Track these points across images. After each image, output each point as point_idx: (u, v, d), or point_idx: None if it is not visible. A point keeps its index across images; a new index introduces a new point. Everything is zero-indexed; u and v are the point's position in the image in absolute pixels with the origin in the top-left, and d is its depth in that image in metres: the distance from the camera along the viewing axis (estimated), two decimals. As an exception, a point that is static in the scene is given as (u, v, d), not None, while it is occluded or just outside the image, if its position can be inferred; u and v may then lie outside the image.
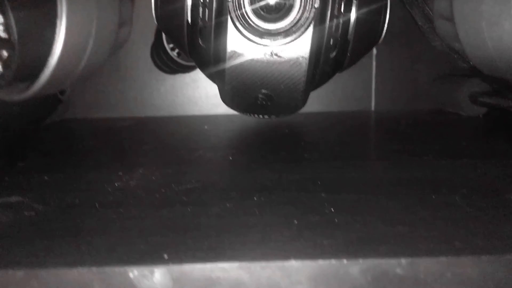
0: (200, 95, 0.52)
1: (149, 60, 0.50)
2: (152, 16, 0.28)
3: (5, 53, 0.19)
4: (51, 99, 0.28)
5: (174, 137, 0.42)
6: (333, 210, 0.22)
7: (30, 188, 0.26)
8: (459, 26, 0.22)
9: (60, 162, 0.33)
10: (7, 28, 0.19)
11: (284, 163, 0.31)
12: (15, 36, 0.18)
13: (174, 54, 0.45)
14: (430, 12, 0.37)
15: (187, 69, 0.48)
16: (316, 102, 0.52)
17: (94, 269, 0.17)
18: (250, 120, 0.47)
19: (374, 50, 0.52)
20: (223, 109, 0.52)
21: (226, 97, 0.28)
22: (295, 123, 0.46)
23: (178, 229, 0.20)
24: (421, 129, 0.43)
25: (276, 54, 0.25)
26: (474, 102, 0.44)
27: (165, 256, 0.18)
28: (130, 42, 0.50)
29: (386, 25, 0.28)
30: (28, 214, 0.22)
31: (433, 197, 0.23)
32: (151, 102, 0.51)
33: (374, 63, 0.52)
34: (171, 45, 0.45)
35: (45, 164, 0.32)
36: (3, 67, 0.19)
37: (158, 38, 0.47)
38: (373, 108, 0.52)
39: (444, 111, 0.49)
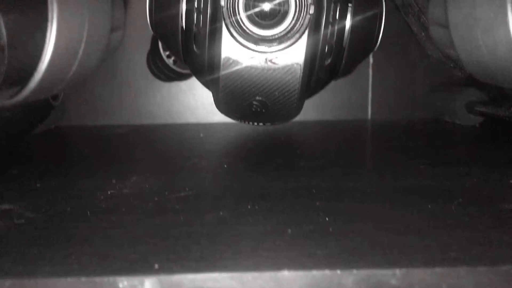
0: (196, 103, 0.52)
1: (145, 67, 0.50)
2: (147, 22, 0.28)
3: (-6, 57, 0.19)
4: (43, 105, 0.27)
5: (169, 145, 0.42)
6: (327, 219, 0.22)
7: (21, 195, 0.26)
8: (454, 32, 0.22)
9: (53, 169, 0.32)
10: (-4, 32, 0.18)
11: (279, 171, 0.31)
12: (5, 39, 0.18)
13: (170, 61, 0.45)
14: (426, 21, 0.37)
15: (183, 76, 0.47)
16: (313, 111, 0.52)
17: (83, 279, 0.17)
18: (246, 128, 0.47)
19: (371, 59, 0.52)
20: (219, 117, 0.51)
21: (221, 104, 0.28)
22: (291, 131, 0.46)
23: (170, 238, 0.20)
24: (417, 138, 0.43)
25: (270, 61, 0.25)
26: (470, 111, 0.44)
27: (156, 266, 0.18)
28: (126, 49, 0.50)
29: (381, 33, 0.28)
30: (18, 222, 0.22)
31: (429, 206, 0.23)
32: (147, 110, 0.51)
33: (370, 72, 0.52)
34: (167, 53, 0.45)
35: (37, 172, 0.31)
36: (-8, 71, 0.19)
37: (154, 45, 0.46)
38: (369, 116, 0.52)
39: (441, 120, 0.49)
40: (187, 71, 0.46)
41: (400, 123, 0.50)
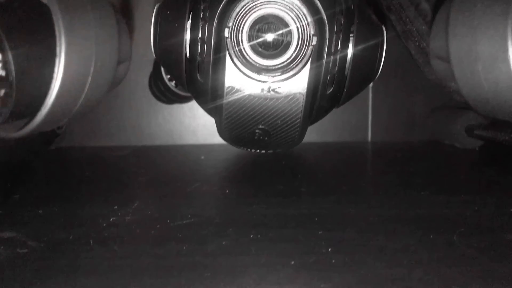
0: (197, 124, 0.52)
1: (147, 89, 0.50)
2: (150, 47, 0.28)
3: (2, 91, 0.19)
4: (48, 133, 0.28)
5: (171, 168, 0.42)
6: (330, 250, 0.22)
7: (24, 222, 0.26)
8: (455, 67, 0.22)
9: (55, 194, 0.32)
10: (5, 66, 0.19)
11: (281, 197, 0.31)
12: (13, 74, 0.18)
13: (172, 84, 0.45)
14: (426, 47, 0.37)
15: (185, 99, 0.48)
16: (313, 132, 0.52)
17: (86, 312, 0.17)
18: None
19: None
20: (219, 138, 0.52)
21: (224, 132, 0.28)
22: (292, 153, 0.46)
23: (173, 270, 0.20)
24: (417, 162, 0.43)
25: (273, 90, 0.25)
26: (470, 135, 0.44)
27: (160, 299, 0.18)
28: (128, 71, 0.50)
29: (382, 61, 0.28)
30: (21, 251, 0.22)
31: (431, 236, 0.23)
32: (148, 131, 0.51)
33: (370, 94, 0.52)
34: (169, 76, 0.45)
35: (39, 197, 0.31)
36: (0, 105, 0.19)
37: (156, 68, 0.47)
38: (369, 138, 0.52)
39: (440, 143, 0.49)
40: (188, 94, 0.46)
41: (400, 146, 0.50)
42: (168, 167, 0.43)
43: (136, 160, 0.46)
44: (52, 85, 0.19)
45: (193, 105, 0.51)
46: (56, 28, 0.19)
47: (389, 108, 0.52)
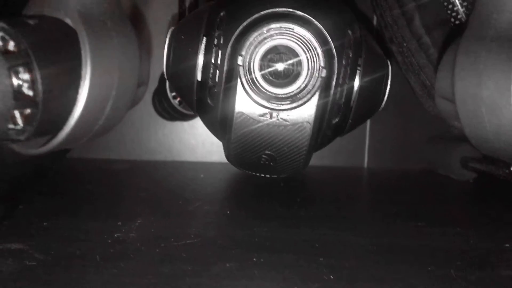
0: (196, 142, 0.52)
1: (149, 105, 0.50)
2: (158, 68, 0.29)
3: (28, 110, 0.19)
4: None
5: (171, 185, 0.43)
6: (331, 277, 0.22)
7: (30, 235, 0.26)
8: (460, 108, 0.23)
9: (58, 207, 0.33)
10: (32, 86, 0.19)
11: (282, 220, 0.31)
12: (40, 94, 0.19)
13: (175, 102, 0.46)
14: (425, 79, 0.39)
15: (187, 117, 0.48)
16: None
17: (97, 329, 0.17)
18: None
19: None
20: (218, 157, 0.52)
21: (231, 155, 0.29)
22: (289, 176, 0.47)
23: (180, 290, 0.20)
24: (412, 190, 0.44)
25: (282, 118, 0.26)
26: (465, 167, 0.45)
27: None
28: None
29: (387, 94, 0.29)
30: (29, 264, 0.22)
31: (429, 268, 0.24)
32: (148, 146, 0.52)
33: (368, 121, 0.53)
34: (173, 93, 0.46)
35: (43, 208, 0.32)
36: (25, 122, 0.20)
37: (161, 85, 0.47)
38: (365, 165, 0.53)
39: (435, 172, 0.50)
40: (191, 112, 0.47)
41: (396, 173, 0.51)
42: (168, 183, 0.43)
43: (136, 174, 0.46)
44: (76, 106, 0.19)
45: (194, 123, 0.52)
46: (83, 52, 0.20)
47: (386, 135, 0.53)
